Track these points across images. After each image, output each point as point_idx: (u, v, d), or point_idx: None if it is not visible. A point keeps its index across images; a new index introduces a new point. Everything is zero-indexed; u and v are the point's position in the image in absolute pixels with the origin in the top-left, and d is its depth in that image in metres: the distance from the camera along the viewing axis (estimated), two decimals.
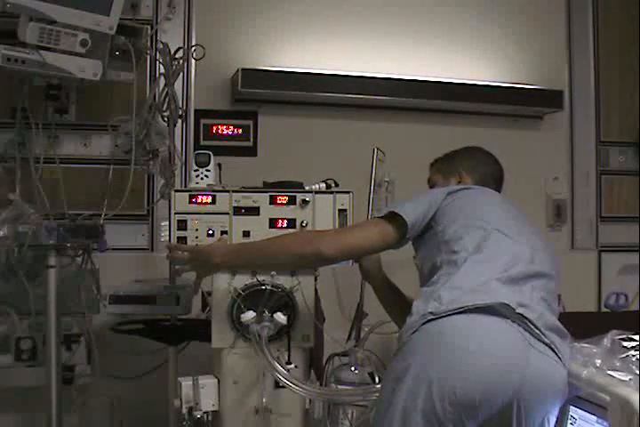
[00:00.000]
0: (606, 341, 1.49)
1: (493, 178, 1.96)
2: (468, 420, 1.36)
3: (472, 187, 1.81)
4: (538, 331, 1.42)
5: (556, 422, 1.47)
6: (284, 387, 1.79)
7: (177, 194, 1.95)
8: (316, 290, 2.01)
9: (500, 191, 1.96)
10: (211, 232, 1.93)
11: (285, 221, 1.95)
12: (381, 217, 1.72)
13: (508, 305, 1.42)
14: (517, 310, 1.42)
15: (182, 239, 1.92)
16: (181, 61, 2.51)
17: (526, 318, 1.42)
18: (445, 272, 1.54)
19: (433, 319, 1.43)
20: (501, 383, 1.36)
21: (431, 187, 1.99)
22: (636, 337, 1.49)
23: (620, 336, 1.50)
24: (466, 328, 1.41)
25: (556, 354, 1.43)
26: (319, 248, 1.66)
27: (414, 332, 1.44)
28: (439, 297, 1.46)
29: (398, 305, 1.97)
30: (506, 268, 1.51)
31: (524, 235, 1.64)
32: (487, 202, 1.73)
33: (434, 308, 1.44)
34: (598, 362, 1.45)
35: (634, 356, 1.44)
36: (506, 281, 1.48)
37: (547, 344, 1.42)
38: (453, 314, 1.41)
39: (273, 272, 1.90)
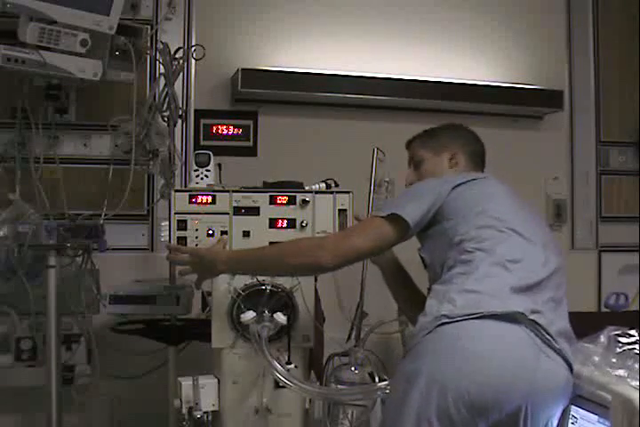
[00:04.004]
0: (603, 337, 1.50)
1: (480, 156, 1.94)
2: (480, 421, 1.38)
3: (474, 178, 1.75)
4: (549, 337, 1.44)
5: (559, 422, 1.47)
6: (284, 387, 1.79)
7: (177, 194, 1.95)
8: (316, 290, 2.01)
9: (484, 168, 1.94)
10: (211, 232, 1.93)
11: (285, 221, 1.95)
12: (382, 217, 1.67)
13: (521, 313, 1.43)
14: (530, 317, 1.43)
15: (182, 239, 1.92)
16: (181, 61, 2.51)
17: (538, 325, 1.43)
18: (459, 272, 1.53)
19: (447, 322, 1.43)
20: (513, 387, 1.38)
21: (416, 164, 1.93)
22: (632, 332, 1.50)
23: (616, 332, 1.51)
24: (481, 334, 1.42)
25: (564, 359, 1.45)
26: (319, 261, 1.62)
27: (428, 333, 1.45)
28: (453, 300, 1.46)
29: (407, 290, 1.97)
30: (521, 276, 1.50)
31: (534, 230, 1.63)
32: (494, 195, 1.70)
33: (448, 311, 1.44)
34: (597, 359, 1.45)
35: (631, 351, 1.45)
36: (520, 288, 1.48)
37: (556, 350, 1.44)
38: (469, 319, 1.42)
39: None
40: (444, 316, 1.43)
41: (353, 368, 2.04)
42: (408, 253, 1.83)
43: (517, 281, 1.49)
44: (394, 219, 1.64)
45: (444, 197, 1.66)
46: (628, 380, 1.36)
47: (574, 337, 1.52)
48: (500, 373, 1.38)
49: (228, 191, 1.96)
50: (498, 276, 1.50)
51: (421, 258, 1.74)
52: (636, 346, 1.47)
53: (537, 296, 1.49)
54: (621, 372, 1.40)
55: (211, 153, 2.10)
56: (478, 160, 1.92)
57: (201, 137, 2.85)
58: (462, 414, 1.36)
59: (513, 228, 1.59)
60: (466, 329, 1.42)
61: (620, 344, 1.48)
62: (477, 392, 1.36)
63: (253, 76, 2.76)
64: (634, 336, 1.48)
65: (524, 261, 1.54)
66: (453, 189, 1.68)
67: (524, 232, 1.59)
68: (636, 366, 1.39)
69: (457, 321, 1.42)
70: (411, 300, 1.94)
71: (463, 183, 1.70)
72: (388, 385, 1.73)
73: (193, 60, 2.69)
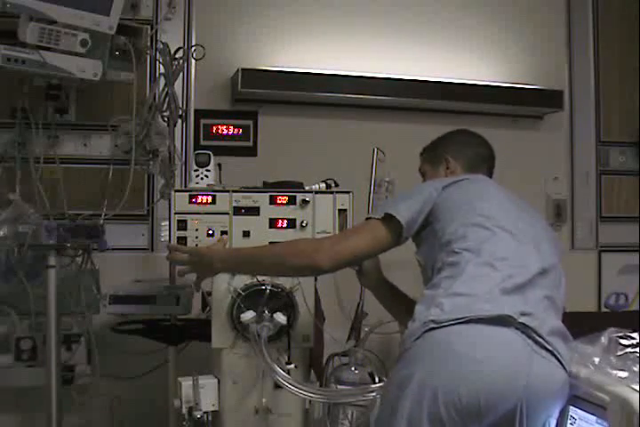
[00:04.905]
0: (603, 339, 1.49)
1: (482, 159, 1.92)
2: (473, 425, 1.37)
3: (466, 178, 1.76)
4: (540, 338, 1.42)
5: (557, 423, 1.47)
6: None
7: (177, 194, 1.95)
8: (316, 290, 2.02)
9: (492, 171, 1.93)
10: (211, 232, 1.93)
11: (285, 221, 1.95)
12: (377, 219, 1.67)
13: (510, 316, 1.42)
14: (520, 320, 1.42)
15: (182, 239, 1.92)
16: (181, 61, 2.51)
17: (529, 327, 1.42)
18: (447, 275, 1.52)
19: (436, 327, 1.42)
20: (506, 390, 1.37)
21: (423, 176, 1.96)
22: (634, 335, 1.50)
23: (617, 334, 1.50)
24: (471, 338, 1.41)
25: (558, 359, 1.44)
26: (316, 262, 1.61)
27: (417, 339, 1.44)
28: (441, 304, 1.45)
29: (402, 305, 1.94)
30: (510, 274, 1.49)
31: (525, 229, 1.61)
32: (484, 194, 1.69)
33: (435, 315, 1.43)
34: (596, 360, 1.45)
35: (632, 353, 1.44)
36: (509, 290, 1.47)
37: (549, 351, 1.43)
38: (457, 324, 1.41)
39: None
40: (432, 321, 1.42)
41: (353, 368, 2.03)
42: (405, 254, 1.82)
43: (506, 280, 1.48)
44: (388, 220, 1.65)
45: (435, 198, 1.66)
46: (629, 382, 1.36)
47: (568, 335, 1.51)
48: (492, 376, 1.37)
49: (227, 191, 1.96)
50: (486, 276, 1.48)
51: (418, 261, 1.74)
52: (637, 349, 1.46)
53: (528, 295, 1.48)
54: (623, 374, 1.40)
55: (211, 153, 2.11)
56: (479, 163, 1.90)
57: (201, 137, 2.85)
58: (454, 419, 1.35)
59: (501, 226, 1.57)
60: (455, 334, 1.41)
61: (621, 346, 1.47)
62: (469, 396, 1.35)
63: (253, 76, 2.76)
64: (635, 339, 1.48)
65: (513, 258, 1.52)
66: (444, 189, 1.68)
67: (514, 230, 1.58)
68: (635, 368, 1.39)
69: (445, 326, 1.41)
70: (407, 313, 1.92)
71: (454, 183, 1.70)
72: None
73: (193, 60, 2.69)
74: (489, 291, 1.46)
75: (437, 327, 1.42)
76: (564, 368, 1.45)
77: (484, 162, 1.92)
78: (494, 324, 1.41)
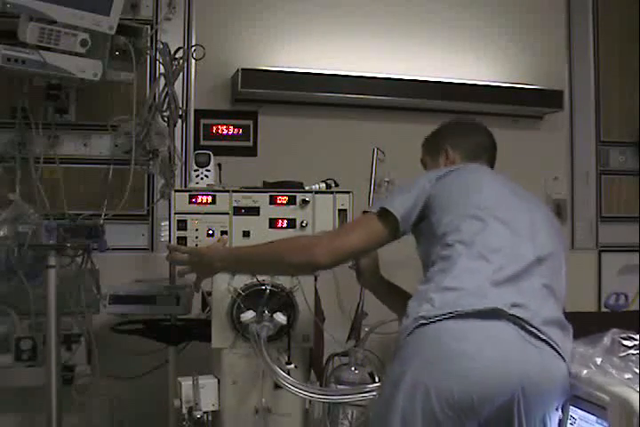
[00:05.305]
0: (606, 339, 1.49)
1: (483, 148, 1.88)
2: (468, 420, 1.36)
3: (459, 167, 1.73)
4: (534, 329, 1.41)
5: (559, 423, 1.47)
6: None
7: (177, 194, 1.95)
8: (316, 290, 2.01)
9: (494, 161, 1.90)
10: (211, 232, 1.93)
11: (285, 221, 1.95)
12: (373, 213, 1.66)
13: (500, 308, 1.41)
14: (510, 311, 1.41)
15: (182, 239, 1.92)
16: (181, 61, 2.51)
17: (520, 318, 1.41)
18: (439, 269, 1.51)
19: (427, 323, 1.41)
20: (500, 384, 1.36)
21: (424, 167, 1.94)
22: (636, 336, 1.49)
23: (621, 335, 1.50)
24: (462, 333, 1.40)
25: (555, 349, 1.42)
26: (314, 258, 1.62)
27: (409, 334, 1.44)
28: (431, 299, 1.44)
29: (403, 302, 1.95)
30: (502, 265, 1.47)
31: (522, 216, 1.60)
32: (480, 183, 1.66)
33: (425, 311, 1.43)
34: (598, 360, 1.45)
35: (634, 355, 1.44)
36: (501, 281, 1.46)
37: (544, 341, 1.41)
38: (448, 318, 1.40)
39: None
40: (422, 317, 1.42)
41: (353, 368, 2.03)
42: (405, 252, 1.82)
43: (498, 272, 1.46)
44: (384, 214, 1.64)
45: (429, 190, 1.64)
46: (630, 383, 1.35)
47: (567, 324, 1.50)
48: (483, 370, 1.36)
49: (227, 191, 1.96)
50: (477, 269, 1.47)
51: (420, 256, 1.73)
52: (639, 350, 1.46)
53: (523, 285, 1.47)
54: (626, 375, 1.39)
55: (211, 153, 2.10)
56: (479, 153, 1.86)
57: (201, 137, 2.85)
58: (448, 415, 1.35)
59: (496, 216, 1.55)
60: (444, 329, 1.40)
61: (624, 348, 1.46)
62: (462, 392, 1.34)
63: (253, 76, 2.76)
64: (637, 340, 1.47)
65: (506, 249, 1.51)
66: (438, 180, 1.66)
67: (509, 219, 1.56)
68: (637, 369, 1.39)
69: (434, 322, 1.40)
70: None
71: (448, 173, 1.68)
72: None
73: (193, 60, 2.69)
74: (479, 284, 1.45)
75: (427, 323, 1.41)
76: (562, 358, 1.43)
77: (484, 151, 1.89)
78: (484, 317, 1.40)
